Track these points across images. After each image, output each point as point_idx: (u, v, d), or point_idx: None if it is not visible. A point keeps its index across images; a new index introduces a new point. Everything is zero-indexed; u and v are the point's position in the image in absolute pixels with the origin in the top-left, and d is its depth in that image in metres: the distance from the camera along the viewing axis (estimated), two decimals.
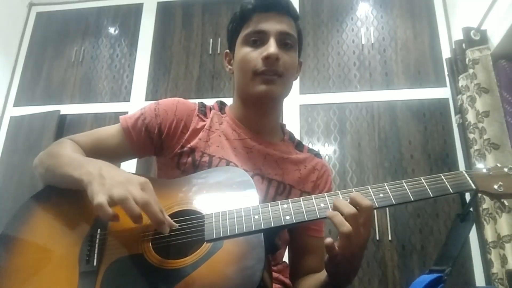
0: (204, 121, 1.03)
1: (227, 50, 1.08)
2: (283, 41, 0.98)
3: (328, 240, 0.75)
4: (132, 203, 0.71)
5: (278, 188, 0.99)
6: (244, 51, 0.98)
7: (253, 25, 0.98)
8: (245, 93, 1.02)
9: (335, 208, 0.75)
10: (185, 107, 1.03)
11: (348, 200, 0.75)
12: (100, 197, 0.71)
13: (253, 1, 0.99)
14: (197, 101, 1.09)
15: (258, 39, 0.97)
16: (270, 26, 0.97)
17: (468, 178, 0.77)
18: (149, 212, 0.72)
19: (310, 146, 1.15)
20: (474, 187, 0.76)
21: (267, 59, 0.95)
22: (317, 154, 1.10)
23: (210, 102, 1.12)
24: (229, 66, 1.07)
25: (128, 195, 0.71)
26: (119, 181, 0.75)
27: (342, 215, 0.73)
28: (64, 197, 0.87)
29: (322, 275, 0.89)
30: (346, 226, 0.72)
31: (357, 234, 0.73)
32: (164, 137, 1.00)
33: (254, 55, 0.97)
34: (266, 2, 0.99)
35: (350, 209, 0.73)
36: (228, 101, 1.14)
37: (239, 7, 1.03)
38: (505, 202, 0.75)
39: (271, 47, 0.95)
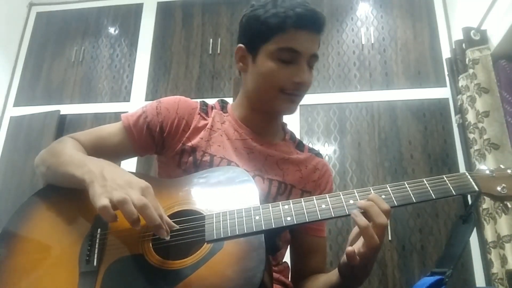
0: (205, 120, 1.03)
1: (242, 45, 1.00)
2: (310, 63, 0.96)
3: (349, 249, 0.75)
4: (130, 206, 0.70)
5: (279, 188, 0.99)
6: (272, 66, 0.94)
7: (288, 42, 0.92)
8: (264, 104, 1.00)
9: (367, 210, 0.74)
10: (186, 105, 1.03)
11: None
12: (103, 200, 0.71)
13: (294, 15, 0.91)
14: (197, 101, 1.09)
15: (291, 58, 0.93)
16: (305, 48, 0.93)
17: (471, 180, 0.76)
18: (146, 216, 0.71)
19: (310, 146, 1.15)
20: (477, 189, 0.76)
21: (299, 84, 0.94)
22: (318, 154, 1.10)
23: (210, 102, 1.12)
24: (241, 64, 1.02)
25: (127, 198, 0.71)
26: (120, 184, 0.74)
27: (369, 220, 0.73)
28: (65, 196, 0.86)
29: (333, 276, 0.88)
30: (375, 240, 0.72)
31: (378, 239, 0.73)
32: (165, 135, 1.00)
33: (283, 74, 0.94)
34: (307, 20, 0.92)
35: (382, 219, 0.73)
36: (229, 100, 1.14)
37: (272, 11, 0.93)
38: (508, 204, 0.75)
39: (306, 74, 0.94)
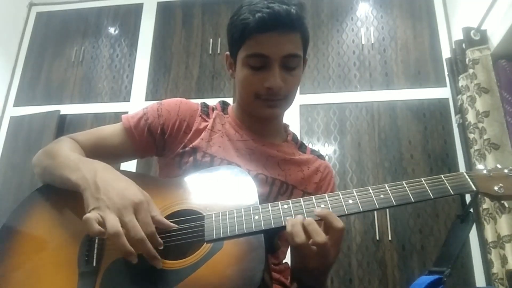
0: (206, 121, 1.02)
1: (228, 53, 1.02)
2: (287, 64, 0.92)
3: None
4: (123, 241, 0.69)
5: (281, 188, 0.98)
6: (245, 73, 0.94)
7: (255, 47, 0.90)
8: (248, 110, 1.02)
9: (306, 228, 0.73)
10: (187, 107, 1.03)
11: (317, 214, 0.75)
12: (94, 226, 0.70)
13: (253, 21, 0.89)
14: (197, 101, 1.09)
15: (260, 63, 0.91)
16: (273, 50, 0.90)
17: (469, 180, 0.76)
18: (143, 250, 0.71)
19: (311, 146, 1.14)
20: (474, 188, 0.76)
21: (269, 89, 0.92)
22: (320, 156, 1.10)
23: (210, 102, 1.12)
24: (231, 71, 1.03)
25: (119, 232, 0.69)
26: (112, 199, 0.73)
27: (309, 239, 0.72)
28: (64, 195, 0.86)
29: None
30: (300, 238, 0.72)
31: (322, 253, 0.72)
32: (166, 137, 0.99)
33: (255, 80, 0.92)
34: (268, 23, 0.88)
35: (319, 238, 0.71)
36: (229, 101, 1.14)
37: (239, 19, 0.92)
38: (505, 203, 0.75)
39: (275, 78, 0.90)
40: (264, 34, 0.89)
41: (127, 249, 0.70)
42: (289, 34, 0.91)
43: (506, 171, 0.75)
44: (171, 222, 0.77)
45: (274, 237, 0.81)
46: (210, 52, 3.08)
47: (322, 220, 0.74)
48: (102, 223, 0.71)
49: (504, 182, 0.74)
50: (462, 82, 2.44)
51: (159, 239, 0.73)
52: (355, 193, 0.78)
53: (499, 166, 0.77)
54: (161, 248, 0.73)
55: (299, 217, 0.74)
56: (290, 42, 0.91)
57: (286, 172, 1.01)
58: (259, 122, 1.04)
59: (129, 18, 3.35)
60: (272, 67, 0.91)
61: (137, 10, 3.35)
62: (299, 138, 1.14)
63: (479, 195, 0.76)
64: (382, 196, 0.77)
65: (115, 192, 0.75)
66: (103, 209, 0.72)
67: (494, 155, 2.11)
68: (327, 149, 2.68)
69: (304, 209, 0.77)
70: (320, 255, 0.72)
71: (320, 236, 0.71)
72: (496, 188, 0.74)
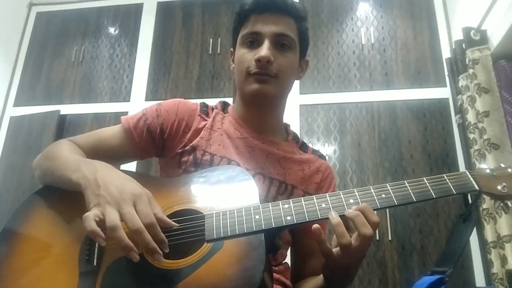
0: (205, 120, 1.03)
1: (232, 49, 1.08)
2: (279, 42, 0.98)
3: (315, 225, 0.74)
4: (121, 234, 0.69)
5: (280, 188, 0.98)
6: (240, 52, 1.00)
7: (250, 27, 0.99)
8: (241, 92, 1.03)
9: (353, 219, 0.73)
10: (186, 107, 1.03)
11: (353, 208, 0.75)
12: (92, 223, 0.70)
13: (250, 2, 1.00)
14: (197, 101, 1.09)
15: (254, 41, 0.98)
16: (266, 28, 0.97)
17: (472, 179, 0.76)
18: (141, 240, 0.70)
19: (312, 147, 1.14)
20: (477, 188, 0.75)
21: (259, 61, 0.95)
22: (321, 156, 1.09)
23: (210, 102, 1.12)
24: (233, 65, 1.07)
25: (117, 225, 0.69)
26: (112, 195, 0.73)
27: (352, 228, 0.73)
28: (64, 195, 0.86)
29: (320, 278, 0.88)
30: (346, 239, 0.72)
31: (358, 248, 0.73)
32: (166, 137, 1.00)
33: (248, 56, 0.98)
34: (262, 3, 0.98)
35: (367, 230, 0.71)
36: (229, 101, 1.14)
37: (239, 6, 1.03)
38: (509, 203, 0.74)
39: (263, 49, 0.95)
40: (259, 15, 0.99)
41: (125, 242, 0.68)
42: (282, 17, 0.99)
43: (509, 170, 0.75)
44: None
45: (274, 237, 0.81)
46: (210, 52, 3.08)
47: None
48: (103, 220, 0.71)
49: (507, 181, 0.74)
50: (462, 82, 2.44)
51: (161, 233, 0.72)
52: (356, 193, 0.78)
53: (502, 165, 0.76)
54: (167, 251, 0.72)
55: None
56: (283, 24, 0.99)
57: (286, 171, 1.01)
58: (258, 118, 1.04)
59: (129, 18, 3.35)
60: (264, 42, 0.97)
61: (137, 10, 3.35)
62: (299, 138, 1.14)
63: (482, 195, 0.75)
64: (383, 195, 0.76)
65: (114, 188, 0.75)
66: (103, 204, 0.72)
67: (494, 155, 2.11)
68: (327, 149, 2.68)
69: (304, 209, 0.77)
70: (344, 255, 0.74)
71: (345, 238, 0.72)
72: (499, 187, 0.74)
